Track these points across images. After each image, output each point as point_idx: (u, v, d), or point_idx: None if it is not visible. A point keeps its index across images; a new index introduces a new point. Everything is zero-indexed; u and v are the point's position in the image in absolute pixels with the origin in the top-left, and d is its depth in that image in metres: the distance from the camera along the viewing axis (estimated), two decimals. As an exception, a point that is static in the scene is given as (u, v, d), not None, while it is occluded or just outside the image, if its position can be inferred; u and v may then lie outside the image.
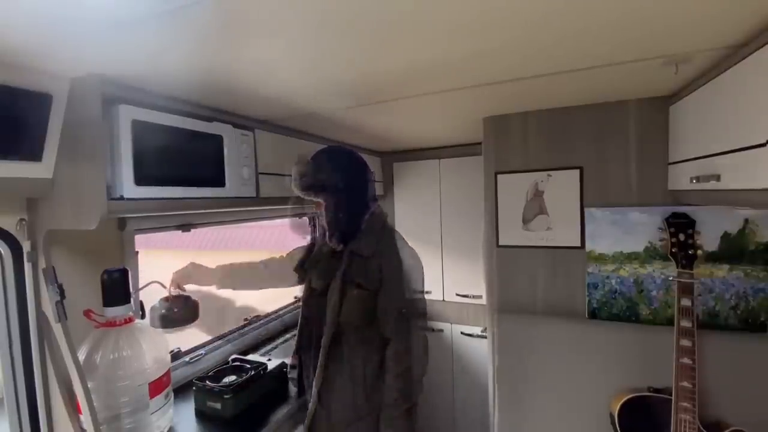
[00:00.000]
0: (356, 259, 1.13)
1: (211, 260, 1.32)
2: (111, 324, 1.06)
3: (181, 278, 1.21)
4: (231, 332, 1.85)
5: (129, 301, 1.10)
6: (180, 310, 1.11)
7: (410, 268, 1.17)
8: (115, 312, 1.06)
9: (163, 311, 1.09)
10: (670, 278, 1.29)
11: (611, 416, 1.19)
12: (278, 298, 2.20)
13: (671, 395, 1.11)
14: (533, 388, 1.38)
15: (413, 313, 1.17)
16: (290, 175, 1.17)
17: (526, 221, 1.53)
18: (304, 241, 1.43)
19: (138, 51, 0.76)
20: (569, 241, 1.46)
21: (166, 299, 1.11)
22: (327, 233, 1.18)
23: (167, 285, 1.19)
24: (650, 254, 1.35)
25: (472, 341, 2.27)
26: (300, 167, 1.13)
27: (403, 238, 1.24)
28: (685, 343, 1.13)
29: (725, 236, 1.26)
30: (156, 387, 1.10)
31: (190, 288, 1.24)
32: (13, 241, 0.98)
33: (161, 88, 1.01)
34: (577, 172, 1.45)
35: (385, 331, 1.12)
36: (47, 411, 1.04)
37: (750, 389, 1.14)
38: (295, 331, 1.31)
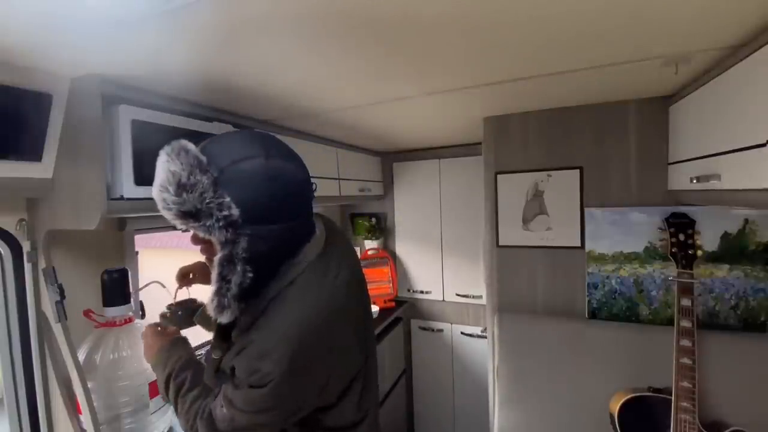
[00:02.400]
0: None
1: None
2: (111, 324, 1.06)
3: (187, 269, 1.10)
4: (231, 332, 1.85)
5: (129, 301, 1.10)
6: (188, 312, 1.11)
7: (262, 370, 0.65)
8: (115, 312, 1.06)
9: (171, 314, 1.09)
10: (670, 278, 1.29)
11: (611, 416, 1.19)
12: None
13: (671, 395, 1.12)
14: (533, 388, 1.38)
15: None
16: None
17: (526, 221, 1.53)
18: None
19: (138, 51, 0.76)
20: (569, 241, 1.46)
21: (172, 304, 1.10)
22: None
23: (171, 282, 1.17)
24: (650, 254, 1.35)
25: (472, 341, 2.27)
26: (166, 168, 0.62)
27: (289, 307, 0.68)
28: (685, 343, 1.13)
29: (725, 236, 1.26)
30: (156, 387, 1.10)
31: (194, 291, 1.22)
32: (13, 241, 0.98)
33: (161, 88, 1.01)
34: (577, 172, 1.45)
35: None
36: (47, 411, 1.04)
37: (750, 389, 1.13)
38: None
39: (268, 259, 0.67)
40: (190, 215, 0.61)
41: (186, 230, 0.66)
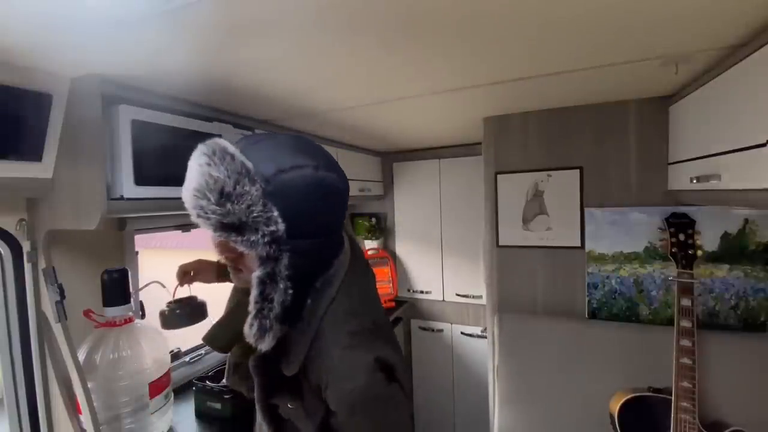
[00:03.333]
0: (277, 374, 0.66)
1: (211, 260, 1.32)
2: (111, 324, 1.06)
3: (187, 267, 1.11)
4: (231, 332, 1.85)
5: (129, 301, 1.10)
6: (187, 310, 1.11)
7: (372, 390, 0.61)
8: (115, 312, 1.06)
9: (168, 312, 1.09)
10: (670, 278, 1.29)
11: (611, 416, 1.19)
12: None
13: (671, 395, 1.12)
14: (533, 388, 1.38)
15: None
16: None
17: (526, 221, 1.53)
18: None
19: (138, 51, 0.76)
20: (569, 241, 1.46)
21: (172, 302, 1.11)
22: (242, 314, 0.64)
23: (171, 282, 1.17)
24: (650, 254, 1.35)
25: (472, 341, 2.27)
26: (203, 172, 0.56)
27: (362, 307, 0.68)
28: (685, 343, 1.13)
29: (725, 236, 1.26)
30: (156, 387, 1.10)
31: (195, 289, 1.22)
32: (13, 241, 0.98)
33: (161, 88, 1.01)
34: (577, 172, 1.45)
35: None
36: (47, 411, 1.04)
37: (750, 389, 1.13)
38: None
39: (308, 274, 0.63)
40: (233, 228, 0.55)
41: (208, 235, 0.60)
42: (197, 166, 0.57)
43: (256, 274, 0.58)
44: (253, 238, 0.55)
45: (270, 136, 0.64)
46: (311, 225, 0.60)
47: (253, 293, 0.59)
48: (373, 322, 0.67)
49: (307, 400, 0.63)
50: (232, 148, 0.57)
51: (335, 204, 0.64)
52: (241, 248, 0.57)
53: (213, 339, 0.70)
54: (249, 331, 0.60)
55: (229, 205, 0.54)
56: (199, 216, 0.56)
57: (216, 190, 0.54)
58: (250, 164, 0.56)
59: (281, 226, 0.56)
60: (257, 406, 0.67)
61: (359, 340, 0.62)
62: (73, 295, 1.02)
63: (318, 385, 0.62)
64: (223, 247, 0.62)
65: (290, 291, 0.60)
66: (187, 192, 0.57)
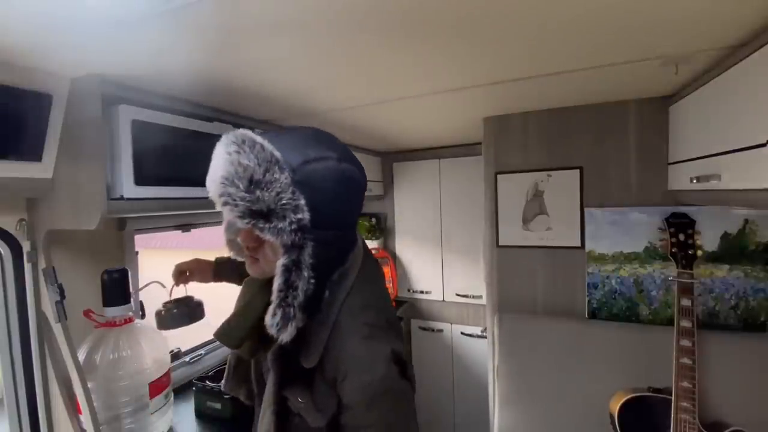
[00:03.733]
0: (293, 367, 0.66)
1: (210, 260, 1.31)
2: (111, 324, 1.06)
3: (183, 267, 1.12)
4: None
5: (129, 301, 1.10)
6: (184, 310, 1.10)
7: (380, 386, 0.62)
8: (115, 312, 1.06)
9: (165, 312, 1.08)
10: (670, 278, 1.29)
11: (611, 416, 1.19)
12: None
13: (671, 395, 1.11)
14: (533, 388, 1.38)
15: None
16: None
17: (526, 221, 1.53)
18: None
19: (138, 51, 0.76)
20: (569, 241, 1.46)
21: (168, 302, 1.10)
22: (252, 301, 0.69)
23: (170, 281, 1.17)
24: (650, 254, 1.35)
25: (472, 341, 2.27)
26: (233, 160, 0.57)
27: (376, 303, 0.71)
28: (685, 343, 1.13)
29: (725, 236, 1.26)
30: (156, 387, 1.10)
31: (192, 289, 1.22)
32: (13, 241, 0.98)
33: (161, 88, 1.01)
34: (577, 172, 1.45)
35: None
36: (47, 411, 1.04)
37: (750, 389, 1.13)
38: None
39: (328, 265, 0.64)
40: (261, 215, 0.56)
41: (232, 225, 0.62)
42: (226, 155, 0.57)
43: (281, 261, 0.59)
44: (280, 225, 0.56)
45: (292, 129, 0.66)
46: (334, 216, 0.62)
47: (277, 281, 0.60)
48: (386, 317, 0.69)
49: (318, 396, 0.63)
50: (260, 138, 0.59)
51: (356, 195, 0.67)
52: (267, 236, 0.58)
53: (225, 335, 0.70)
54: (272, 320, 0.60)
55: (258, 192, 0.55)
56: (226, 203, 0.56)
57: (246, 177, 0.55)
58: (278, 153, 0.57)
59: (307, 215, 0.57)
60: (266, 399, 0.67)
61: (376, 332, 0.64)
62: (73, 295, 1.02)
63: (333, 377, 0.62)
64: (246, 236, 0.63)
65: (312, 280, 0.60)
66: (213, 180, 0.58)
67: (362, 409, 0.62)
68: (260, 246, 0.63)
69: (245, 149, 0.57)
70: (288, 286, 0.60)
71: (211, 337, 1.84)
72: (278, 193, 0.56)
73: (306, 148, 0.61)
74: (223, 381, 0.86)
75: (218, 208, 0.59)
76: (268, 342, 0.67)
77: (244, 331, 0.68)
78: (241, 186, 0.55)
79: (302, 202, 0.57)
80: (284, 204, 0.56)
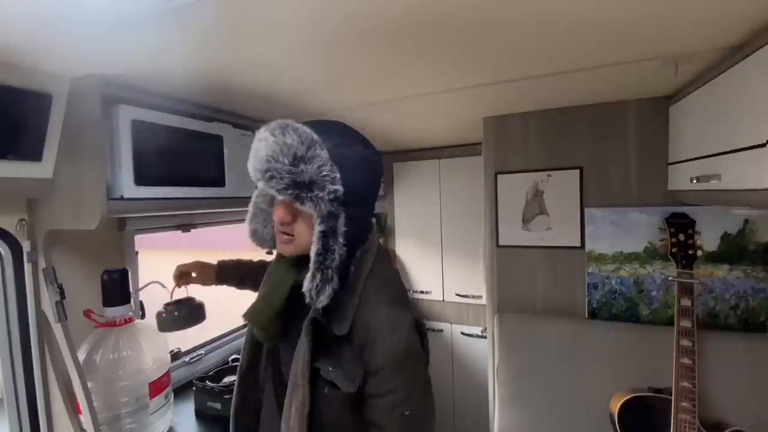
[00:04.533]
0: (325, 333, 0.71)
1: (211, 260, 1.31)
2: (111, 324, 1.06)
3: (184, 268, 1.13)
4: (231, 332, 1.85)
5: (129, 301, 1.10)
6: (185, 312, 1.09)
7: (405, 349, 0.70)
8: (115, 312, 1.06)
9: (166, 314, 1.07)
10: (670, 278, 1.29)
11: (611, 416, 1.19)
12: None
13: (671, 395, 1.11)
14: (533, 388, 1.38)
15: (419, 413, 0.73)
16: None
17: (526, 221, 1.53)
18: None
19: (138, 51, 0.76)
20: (569, 241, 1.46)
21: (169, 304, 1.09)
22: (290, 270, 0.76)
23: (170, 281, 1.16)
24: (650, 254, 1.35)
25: (472, 341, 2.27)
26: (278, 140, 0.64)
27: (394, 280, 0.81)
28: (685, 343, 1.13)
29: (725, 236, 1.26)
30: (156, 387, 1.10)
31: (192, 290, 1.22)
32: (13, 241, 0.98)
33: (161, 88, 1.01)
34: (577, 172, 1.45)
35: None
36: (47, 411, 1.04)
37: (750, 389, 1.13)
38: None
39: (353, 240, 0.70)
40: (304, 185, 0.64)
41: (282, 198, 0.68)
42: (270, 137, 0.65)
43: (319, 229, 0.66)
44: (320, 194, 0.64)
45: (322, 121, 0.73)
46: (360, 193, 0.70)
47: (316, 247, 0.67)
48: (402, 294, 0.79)
49: (346, 365, 0.69)
50: (298, 124, 0.67)
51: (377, 179, 0.75)
52: (307, 205, 0.65)
53: (254, 315, 0.76)
54: (311, 283, 0.67)
55: (302, 166, 0.63)
56: (272, 177, 0.64)
57: (290, 154, 0.63)
58: (316, 136, 0.66)
59: (341, 189, 0.65)
60: (295, 374, 0.71)
61: (399, 303, 0.74)
62: (73, 295, 1.02)
63: (361, 345, 0.69)
64: (284, 212, 0.70)
65: (344, 248, 0.68)
66: (258, 159, 0.65)
67: (388, 374, 0.68)
68: (294, 222, 0.71)
69: (289, 131, 0.65)
70: (326, 249, 0.67)
71: (211, 337, 1.84)
72: (319, 166, 0.64)
73: (335, 134, 0.69)
74: (239, 375, 0.89)
75: (261, 185, 0.66)
76: (289, 327, 0.75)
77: (273, 310, 0.74)
78: (286, 161, 0.63)
79: (338, 175, 0.65)
80: (324, 175, 0.64)
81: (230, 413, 0.88)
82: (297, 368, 0.71)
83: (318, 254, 0.67)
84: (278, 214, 0.70)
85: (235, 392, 0.88)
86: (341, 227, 0.67)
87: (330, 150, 0.66)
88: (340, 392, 0.69)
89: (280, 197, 0.67)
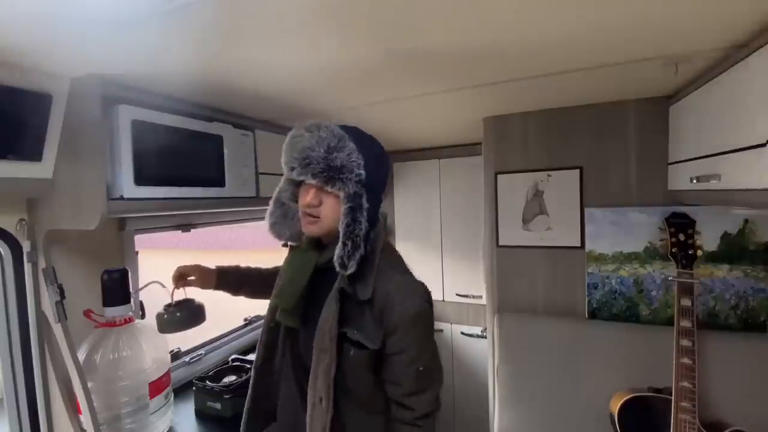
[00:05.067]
0: (352, 302, 0.82)
1: (211, 260, 1.31)
2: (111, 324, 1.06)
3: (184, 270, 1.12)
4: (231, 332, 1.85)
5: (129, 301, 1.10)
6: (185, 313, 1.08)
7: (421, 311, 0.84)
8: (115, 312, 1.06)
9: (166, 316, 1.06)
10: (670, 278, 1.29)
11: (611, 416, 1.19)
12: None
13: (671, 395, 1.11)
14: (533, 388, 1.38)
15: (430, 367, 0.87)
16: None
17: (526, 221, 1.53)
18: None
19: (138, 51, 0.76)
20: (569, 241, 1.46)
21: (169, 305, 1.08)
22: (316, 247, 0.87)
23: (170, 282, 1.15)
24: (650, 254, 1.35)
25: (472, 341, 2.27)
26: (314, 135, 0.77)
27: (402, 261, 0.94)
28: (685, 343, 1.13)
29: (725, 236, 1.26)
30: (156, 387, 1.10)
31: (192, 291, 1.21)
32: (13, 241, 0.98)
33: (161, 88, 1.01)
34: (577, 172, 1.45)
35: (393, 396, 0.86)
36: (47, 411, 1.04)
37: (750, 389, 1.13)
38: None
39: (370, 221, 0.82)
40: (336, 169, 0.77)
41: (316, 182, 0.79)
42: (306, 132, 0.78)
43: (347, 206, 0.79)
44: (349, 176, 0.78)
45: (340, 125, 0.84)
46: (376, 182, 0.84)
47: (345, 220, 0.79)
48: (409, 270, 0.91)
49: (368, 327, 0.81)
50: (326, 122, 0.81)
51: (387, 173, 0.89)
52: (336, 187, 0.78)
53: (283, 297, 0.86)
54: (342, 251, 0.78)
55: (335, 153, 0.77)
56: (309, 164, 0.77)
57: (325, 144, 0.77)
58: (344, 132, 0.80)
59: (364, 173, 0.79)
60: (323, 338, 0.80)
61: (410, 274, 0.89)
62: (73, 295, 1.02)
63: (381, 308, 0.81)
64: (313, 196, 0.81)
65: (366, 223, 0.80)
66: (296, 150, 0.78)
67: (404, 332, 0.81)
68: (320, 206, 0.81)
69: (322, 128, 0.79)
70: (354, 220, 0.79)
71: (211, 337, 1.84)
72: (348, 154, 0.78)
73: (358, 134, 0.84)
74: (255, 366, 0.97)
75: (296, 173, 0.78)
76: (308, 313, 0.85)
77: (300, 289, 0.85)
78: (321, 150, 0.76)
79: (363, 162, 0.79)
80: (352, 161, 0.78)
81: (245, 403, 0.97)
82: (324, 334, 0.80)
83: (348, 225, 0.78)
84: (308, 198, 0.81)
85: (251, 383, 0.96)
86: (365, 204, 0.80)
87: (356, 143, 0.79)
88: (364, 352, 0.80)
89: (313, 181, 0.78)
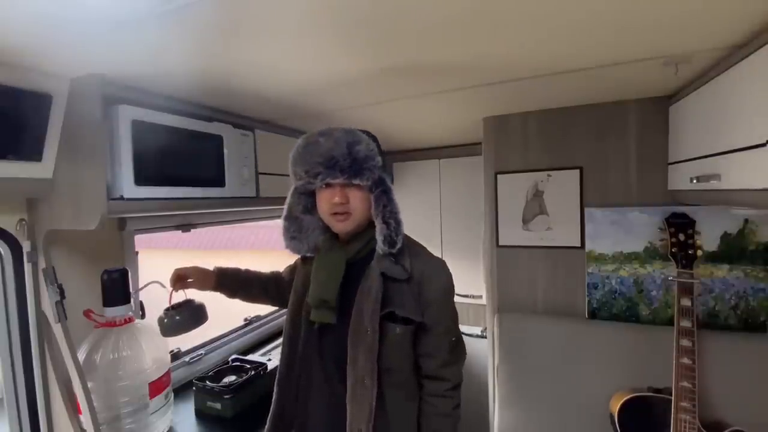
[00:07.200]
0: (390, 283, 0.87)
1: (211, 260, 1.31)
2: (111, 324, 1.06)
3: (182, 272, 1.10)
4: (231, 332, 1.85)
5: (129, 301, 1.10)
6: (186, 315, 1.07)
7: (450, 285, 0.97)
8: (115, 312, 1.06)
9: (168, 319, 1.05)
10: (670, 278, 1.29)
11: (611, 416, 1.19)
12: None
13: (671, 395, 1.11)
14: (533, 388, 1.38)
15: (459, 338, 0.99)
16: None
17: (526, 221, 1.53)
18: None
19: (138, 51, 0.76)
20: (569, 241, 1.46)
21: (170, 308, 1.07)
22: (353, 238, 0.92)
23: (168, 284, 1.14)
24: (650, 254, 1.35)
25: (472, 341, 2.26)
26: (330, 137, 0.84)
27: (418, 244, 1.03)
28: (685, 343, 1.13)
29: (725, 236, 1.26)
30: (156, 387, 1.10)
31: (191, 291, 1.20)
32: (13, 241, 0.98)
33: (161, 88, 1.01)
34: (577, 172, 1.45)
35: (428, 370, 0.93)
36: (47, 411, 1.04)
37: (750, 389, 1.13)
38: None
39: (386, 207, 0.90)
40: (362, 160, 0.83)
41: (343, 180, 0.84)
42: (321, 138, 0.85)
43: (378, 189, 0.87)
44: (372, 164, 0.85)
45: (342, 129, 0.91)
46: (385, 165, 0.91)
47: (380, 204, 0.87)
48: None
49: (409, 303, 0.87)
50: (340, 128, 0.88)
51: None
52: (364, 177, 0.84)
53: (323, 292, 0.88)
54: (387, 230, 0.86)
55: (356, 147, 0.83)
56: (336, 163, 0.82)
57: (344, 143, 0.83)
58: (350, 128, 0.87)
59: (380, 160, 0.87)
60: (366, 317, 0.84)
61: (431, 253, 0.99)
62: (73, 295, 1.02)
63: (419, 284, 0.89)
64: (341, 194, 0.85)
65: (395, 213, 0.88)
66: (317, 155, 0.83)
67: (438, 306, 0.91)
68: (348, 202, 0.86)
69: (333, 132, 0.85)
70: (389, 200, 0.88)
71: (210, 338, 1.84)
72: (366, 144, 0.85)
73: (362, 132, 0.90)
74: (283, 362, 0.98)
75: (322, 177, 0.84)
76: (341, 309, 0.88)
77: (337, 282, 0.87)
78: (343, 148, 0.83)
79: (376, 148, 0.87)
80: (371, 150, 0.85)
81: (271, 409, 0.97)
82: (364, 315, 0.85)
83: (385, 206, 0.86)
84: (336, 197, 0.85)
85: (276, 395, 0.97)
86: (389, 184, 0.89)
87: (365, 134, 0.87)
88: (410, 327, 0.87)
89: (339, 179, 0.83)
